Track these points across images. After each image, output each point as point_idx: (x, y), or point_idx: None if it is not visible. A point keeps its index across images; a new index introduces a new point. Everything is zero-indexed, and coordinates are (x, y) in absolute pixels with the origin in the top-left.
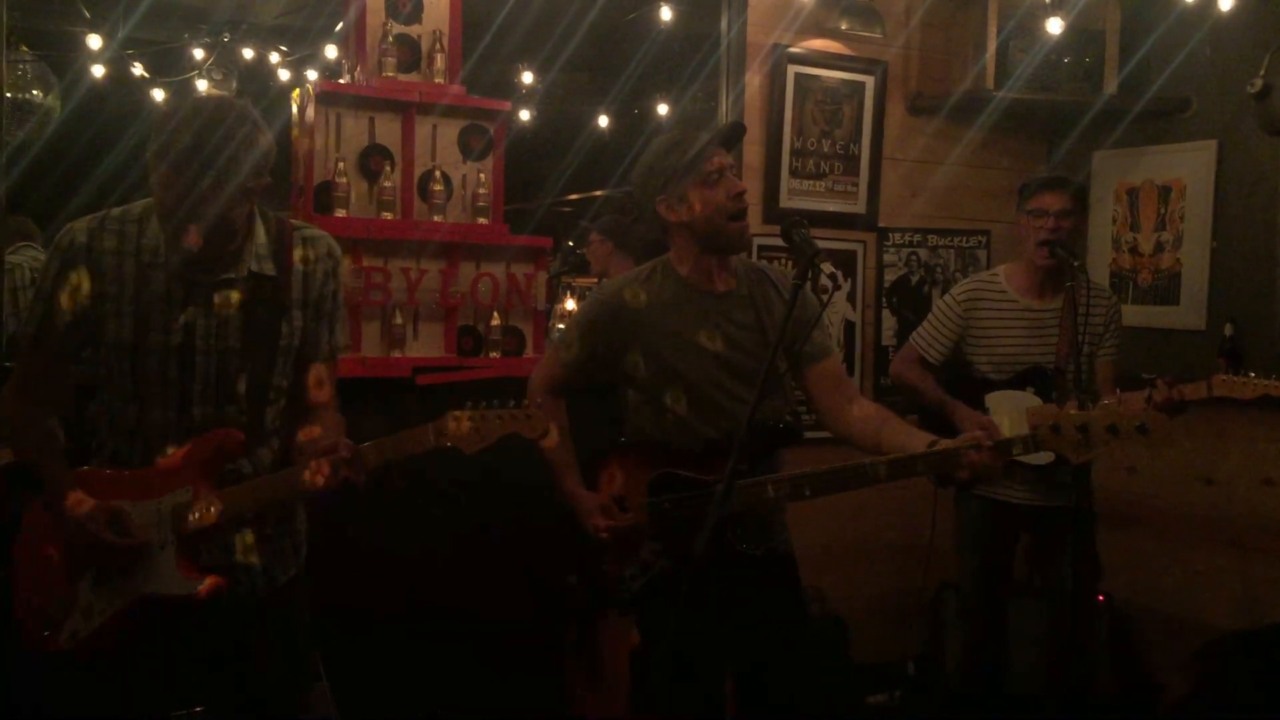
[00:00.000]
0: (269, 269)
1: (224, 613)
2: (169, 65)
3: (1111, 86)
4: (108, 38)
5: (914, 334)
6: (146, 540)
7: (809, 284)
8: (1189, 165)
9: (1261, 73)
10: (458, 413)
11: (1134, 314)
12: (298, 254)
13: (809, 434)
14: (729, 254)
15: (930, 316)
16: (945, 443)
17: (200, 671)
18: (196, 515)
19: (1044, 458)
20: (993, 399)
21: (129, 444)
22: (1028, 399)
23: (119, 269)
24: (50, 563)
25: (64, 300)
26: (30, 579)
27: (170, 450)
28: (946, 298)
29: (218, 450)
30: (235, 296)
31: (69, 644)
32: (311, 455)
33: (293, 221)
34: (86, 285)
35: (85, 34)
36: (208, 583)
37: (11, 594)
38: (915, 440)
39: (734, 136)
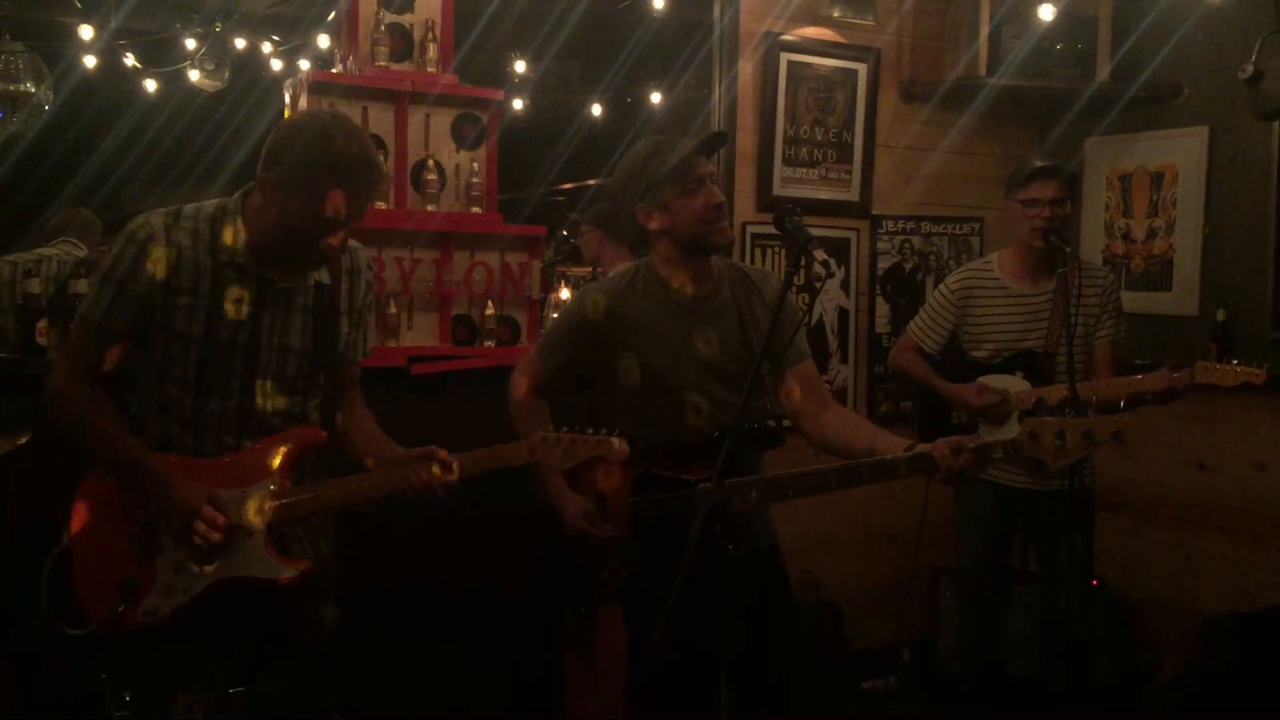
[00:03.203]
0: (325, 278)
1: (280, 589)
2: (161, 55)
3: (1103, 73)
4: (99, 28)
5: (911, 323)
6: (242, 524)
7: (801, 273)
8: (1181, 151)
9: (1253, 58)
10: (547, 434)
11: (1127, 300)
12: (345, 264)
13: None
14: (709, 255)
15: (926, 306)
16: (923, 446)
17: (244, 647)
18: (289, 506)
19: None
20: (983, 382)
21: (182, 430)
22: (1018, 383)
23: (195, 264)
24: (120, 539)
25: (138, 289)
26: (94, 555)
27: (229, 439)
28: (941, 288)
29: (303, 447)
30: (300, 301)
31: (146, 619)
32: (412, 460)
33: None
34: (161, 276)
35: (76, 25)
36: (301, 567)
37: (70, 568)
38: (888, 445)
39: (714, 145)
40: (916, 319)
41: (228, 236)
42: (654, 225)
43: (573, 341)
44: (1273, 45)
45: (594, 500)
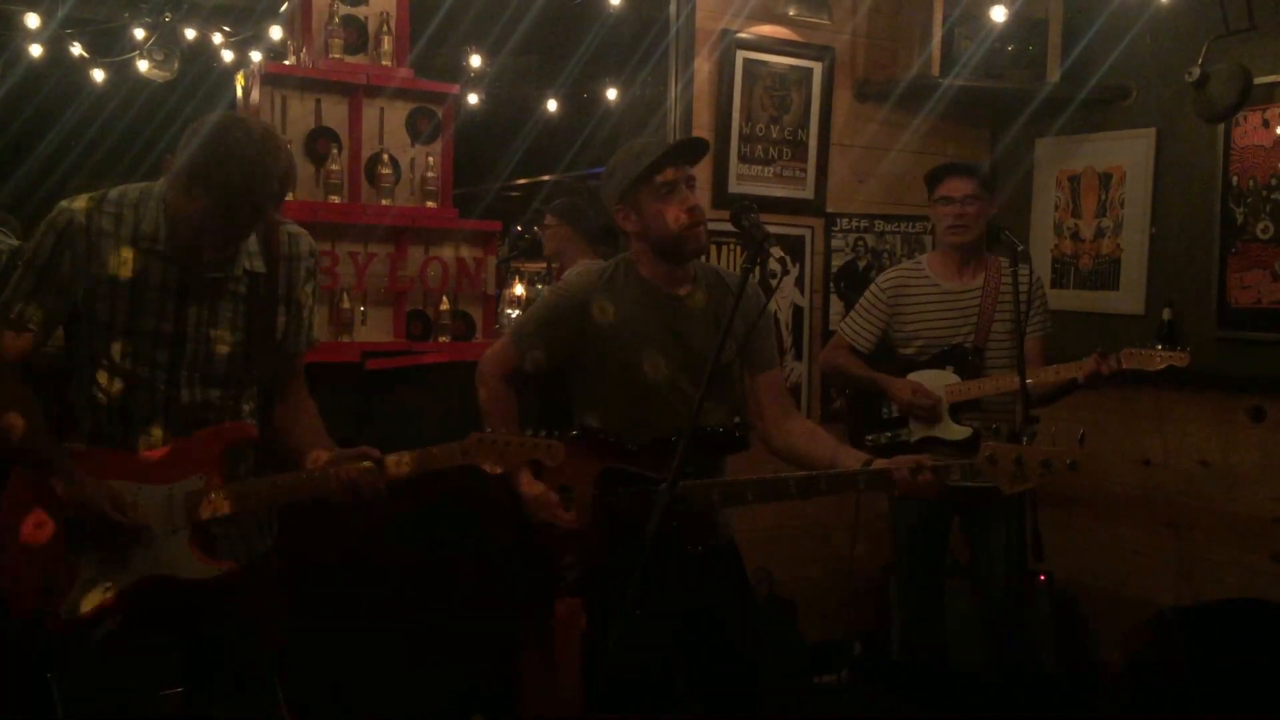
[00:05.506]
0: (258, 266)
1: (210, 588)
2: (108, 45)
3: (1054, 75)
4: (46, 17)
5: (842, 324)
6: (151, 523)
7: (758, 270)
8: (1129, 152)
9: (1199, 61)
10: (483, 435)
11: (1075, 299)
12: (283, 251)
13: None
14: (685, 261)
15: (858, 306)
16: (882, 462)
17: (180, 647)
18: (213, 507)
19: (963, 432)
20: (914, 378)
21: (110, 422)
22: (947, 377)
23: (116, 253)
24: (43, 535)
25: (57, 277)
26: (18, 550)
27: (157, 432)
28: (872, 288)
29: (234, 442)
30: (229, 290)
31: (68, 617)
32: (341, 461)
33: (276, 217)
34: (81, 265)
35: (23, 13)
36: (224, 568)
37: None
38: (849, 458)
39: (686, 153)
40: (848, 319)
41: (149, 223)
42: (630, 227)
43: (550, 330)
44: (1219, 49)
45: (558, 491)
